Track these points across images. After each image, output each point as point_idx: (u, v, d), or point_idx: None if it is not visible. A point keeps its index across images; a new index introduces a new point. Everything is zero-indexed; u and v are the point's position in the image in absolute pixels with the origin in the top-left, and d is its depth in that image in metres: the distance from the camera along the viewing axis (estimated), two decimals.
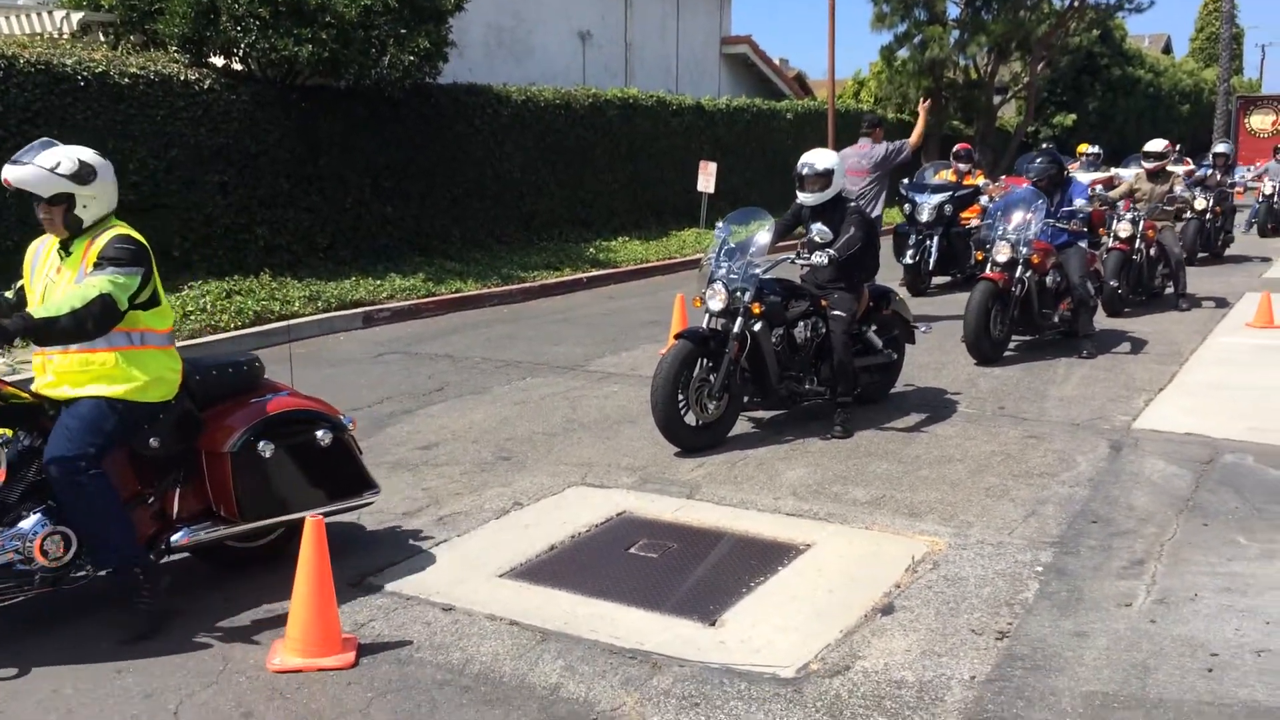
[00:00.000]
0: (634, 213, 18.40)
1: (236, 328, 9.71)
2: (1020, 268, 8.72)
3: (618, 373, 8.62)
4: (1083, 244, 9.33)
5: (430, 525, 5.27)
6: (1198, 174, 16.10)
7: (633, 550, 4.99)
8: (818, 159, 7.10)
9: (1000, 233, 8.85)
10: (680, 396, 6.29)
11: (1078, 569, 4.60)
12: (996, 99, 28.41)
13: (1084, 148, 19.35)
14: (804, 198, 7.07)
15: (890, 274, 13.41)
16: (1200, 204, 14.44)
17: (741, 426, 6.94)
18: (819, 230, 6.75)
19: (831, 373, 6.86)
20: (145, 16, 12.06)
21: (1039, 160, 9.65)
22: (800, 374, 6.84)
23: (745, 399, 6.74)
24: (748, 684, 3.72)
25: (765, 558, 4.85)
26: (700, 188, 18.73)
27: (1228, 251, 15.82)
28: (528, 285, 13.18)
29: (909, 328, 7.64)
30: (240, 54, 12.19)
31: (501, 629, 4.15)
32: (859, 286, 7.07)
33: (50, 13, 12.78)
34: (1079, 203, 9.17)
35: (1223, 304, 11.55)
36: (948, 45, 26.20)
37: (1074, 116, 33.81)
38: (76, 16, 12.53)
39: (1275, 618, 4.08)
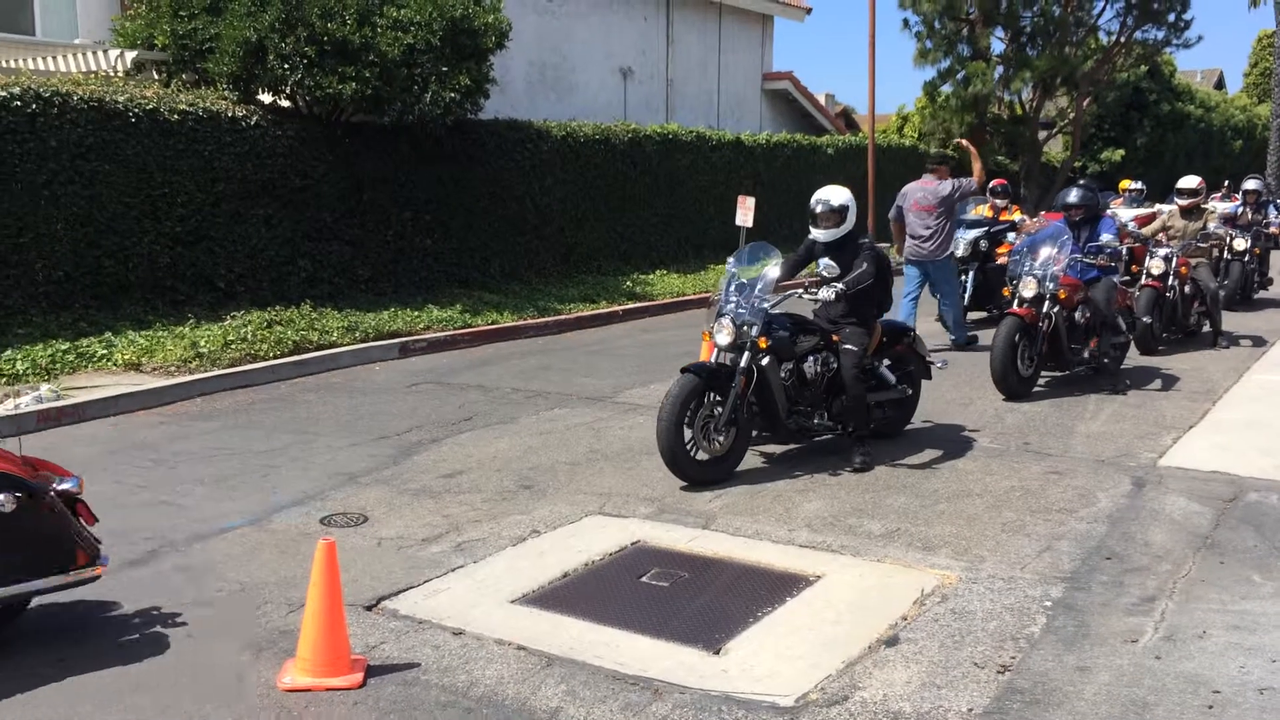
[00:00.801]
0: (672, 247, 18.55)
1: (275, 357, 9.93)
2: (1047, 303, 8.68)
3: (645, 404, 8.70)
4: (1115, 279, 9.29)
5: (448, 551, 5.37)
6: (1227, 212, 15.54)
7: (644, 579, 5.05)
8: (832, 195, 7.16)
9: (1027, 268, 8.84)
10: (688, 431, 6.32)
11: (1087, 604, 4.59)
12: (1042, 134, 28.27)
13: (1126, 183, 19.15)
14: (816, 234, 7.16)
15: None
16: (1240, 244, 13.99)
17: (758, 460, 6.99)
18: (826, 265, 6.83)
19: (843, 408, 6.91)
20: (196, 55, 12.45)
21: (1075, 190, 9.59)
22: (810, 409, 6.87)
23: (755, 433, 6.77)
24: (746, 712, 3.76)
25: (775, 588, 4.89)
26: (739, 222, 18.78)
27: (1260, 294, 15.28)
28: (563, 317, 13.33)
29: (925, 363, 7.64)
30: (287, 91, 12.53)
31: (509, 654, 4.23)
32: (870, 322, 7.11)
33: (106, 51, 13.23)
34: (1106, 238, 9.10)
35: (1260, 342, 11.40)
36: (991, 81, 26.14)
37: (1122, 152, 33.49)
38: (130, 55, 12.96)
39: None
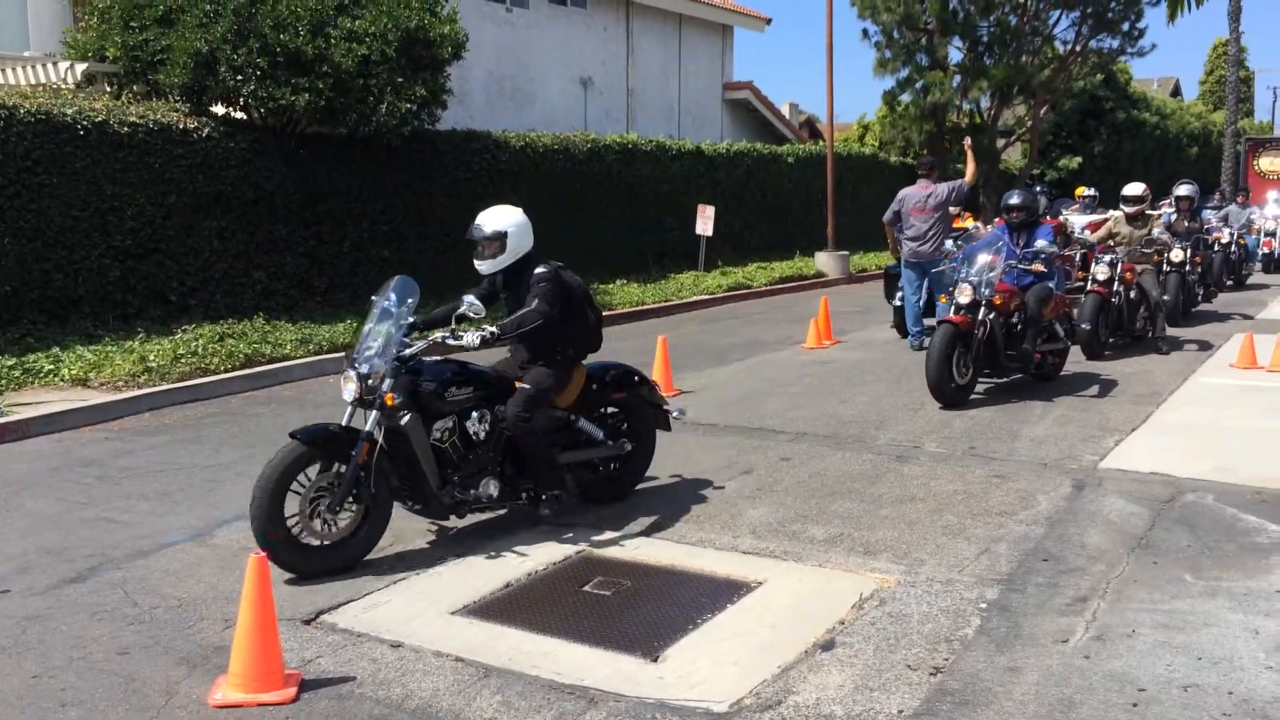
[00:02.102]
0: (632, 256, 18.59)
1: (226, 370, 9.86)
2: (983, 309, 8.69)
3: None
4: (1051, 284, 9.29)
5: (391, 563, 5.35)
6: (1162, 221, 14.75)
7: (587, 588, 5.06)
8: (487, 220, 6.02)
9: (964, 274, 8.84)
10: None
11: (1021, 606, 4.64)
12: (1000, 142, 28.58)
13: (1081, 190, 19.46)
14: (480, 265, 6.11)
15: (883, 315, 13.58)
16: (1178, 255, 13.49)
17: (702, 468, 7.01)
18: (469, 303, 5.74)
19: (530, 469, 5.81)
20: (148, 67, 12.38)
21: (1016, 192, 9.60)
22: (477, 476, 5.64)
23: (409, 505, 5.67)
24: (679, 719, 3.77)
25: (716, 595, 4.91)
26: (699, 231, 18.92)
27: (1202, 307, 14.91)
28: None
29: (661, 412, 6.54)
30: (240, 103, 12.48)
31: (445, 665, 4.22)
32: (558, 364, 5.97)
33: (55, 64, 13.13)
34: (1041, 243, 9.12)
35: (1205, 346, 11.54)
36: (950, 90, 26.42)
37: (1079, 159, 33.92)
38: (81, 67, 12.86)
39: (1208, 654, 4.11)
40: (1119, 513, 5.88)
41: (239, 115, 12.86)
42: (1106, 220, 18.70)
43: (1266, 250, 20.98)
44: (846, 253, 21.68)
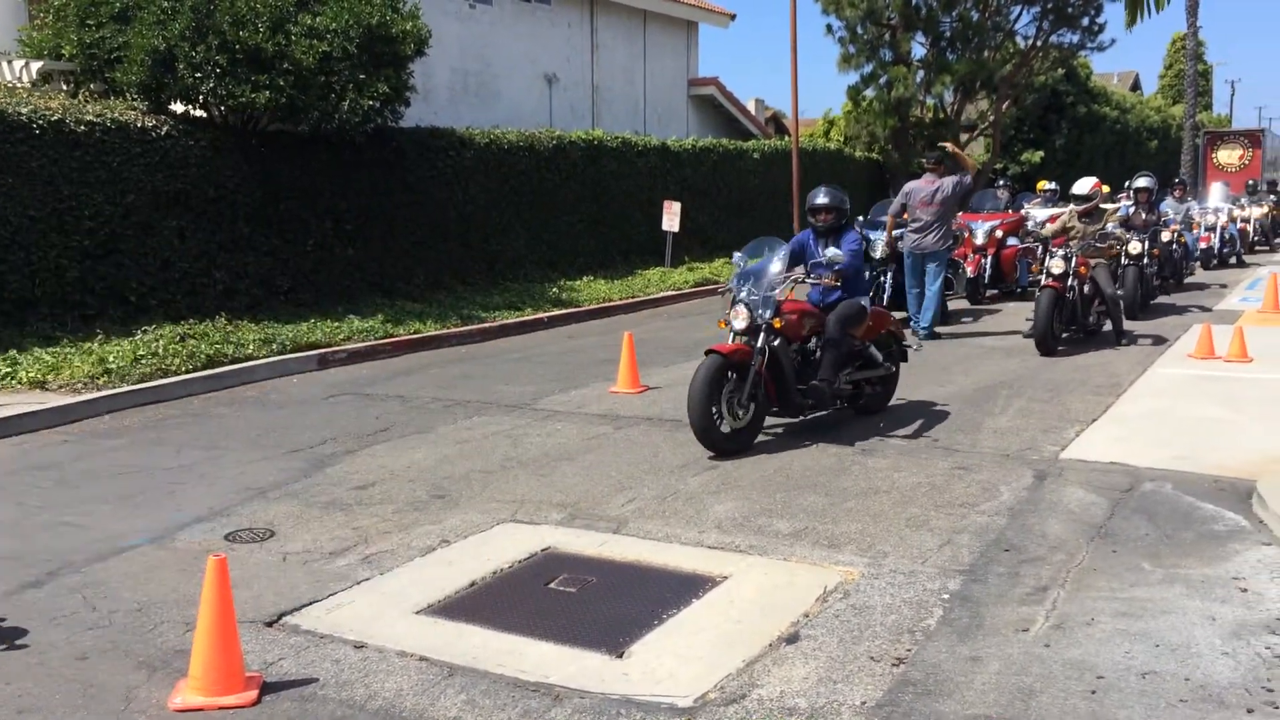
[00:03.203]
0: (599, 253, 18.57)
1: (187, 371, 9.75)
2: (762, 334, 7.26)
3: (564, 411, 8.70)
4: (863, 300, 7.91)
5: (355, 564, 5.32)
6: (1120, 214, 14.62)
7: (552, 585, 5.05)
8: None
9: (743, 294, 7.38)
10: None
11: (983, 596, 4.68)
12: (963, 136, 28.79)
13: (1043, 184, 19.59)
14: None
15: None
16: (1136, 248, 13.46)
17: (671, 462, 7.03)
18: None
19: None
20: (105, 65, 12.21)
21: (822, 190, 8.04)
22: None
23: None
24: (644, 714, 3.77)
25: (681, 590, 4.92)
26: (665, 227, 18.93)
27: (1160, 300, 14.85)
28: (487, 325, 13.28)
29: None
30: (200, 101, 12.34)
31: (410, 665, 4.20)
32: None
33: (10, 62, 12.92)
34: (831, 253, 7.64)
35: (1160, 340, 11.58)
36: (913, 85, 26.59)
37: (1041, 153, 34.21)
38: (36, 65, 12.67)
39: (1166, 641, 4.17)
40: (1079, 502, 5.95)
41: (198, 113, 12.71)
42: (1064, 214, 18.95)
43: (1205, 245, 19.80)
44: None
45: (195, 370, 9.83)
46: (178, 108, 12.54)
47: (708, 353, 7.18)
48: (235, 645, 3.91)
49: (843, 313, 7.72)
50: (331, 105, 12.31)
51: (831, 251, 7.73)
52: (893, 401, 8.52)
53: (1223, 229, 20.10)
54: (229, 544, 5.62)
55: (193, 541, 5.68)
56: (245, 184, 12.57)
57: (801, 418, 7.90)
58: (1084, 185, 12.01)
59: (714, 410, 7.06)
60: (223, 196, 12.34)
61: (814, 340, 7.75)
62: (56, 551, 5.53)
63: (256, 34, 11.64)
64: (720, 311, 7.73)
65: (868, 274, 12.84)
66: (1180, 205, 18.82)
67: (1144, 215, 14.33)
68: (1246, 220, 21.82)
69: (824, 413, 8.03)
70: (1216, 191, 21.88)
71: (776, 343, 7.29)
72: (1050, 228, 12.02)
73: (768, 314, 7.34)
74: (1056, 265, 11.01)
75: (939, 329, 12.28)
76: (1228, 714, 3.62)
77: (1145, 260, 13.78)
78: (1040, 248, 16.55)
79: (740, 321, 7.26)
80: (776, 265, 7.48)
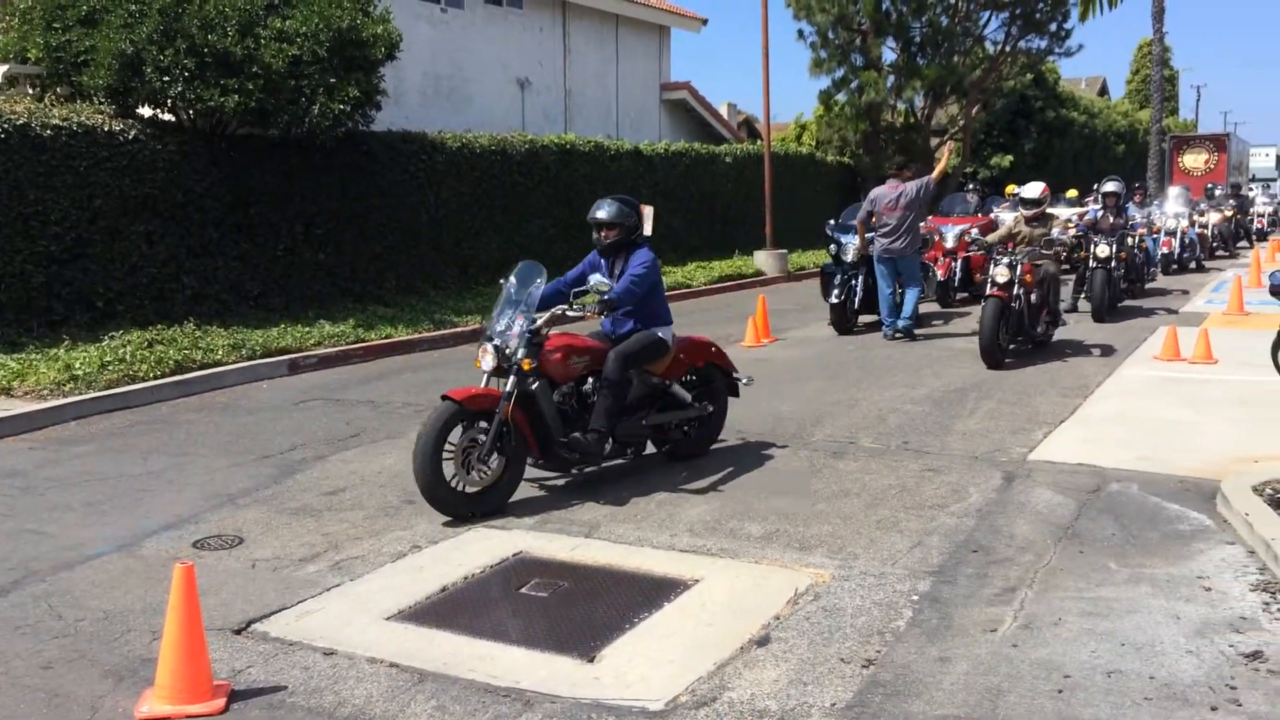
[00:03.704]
0: (572, 257, 18.29)
1: (155, 377, 9.66)
2: (512, 377, 6.13)
3: None
4: (661, 332, 6.81)
5: (325, 570, 5.29)
6: (1088, 217, 14.97)
7: (524, 590, 5.04)
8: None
9: (500, 327, 6.31)
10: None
11: (952, 597, 4.72)
12: (934, 141, 29.01)
13: (1011, 188, 19.81)
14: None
15: (821, 313, 13.73)
16: (1104, 251, 13.58)
17: (640, 466, 7.03)
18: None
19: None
20: (71, 68, 12.08)
21: (605, 204, 6.79)
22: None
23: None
24: (615, 718, 3.78)
25: (652, 594, 4.92)
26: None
27: (1127, 302, 14.85)
28: (460, 330, 13.24)
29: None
30: (168, 105, 12.24)
31: (380, 671, 4.18)
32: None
33: None
34: (595, 280, 6.51)
35: (1109, 351, 11.27)
36: (884, 89, 26.80)
37: (1011, 158, 34.54)
38: (1, 69, 12.53)
39: (1131, 640, 4.22)
40: (1047, 503, 6.00)
41: (167, 117, 12.61)
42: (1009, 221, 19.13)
43: (1165, 250, 19.50)
44: (785, 251, 21.85)
45: (163, 376, 9.74)
46: (145, 111, 12.44)
47: (443, 398, 6.05)
48: (203, 653, 3.88)
49: (627, 348, 6.57)
50: (301, 109, 12.25)
51: (595, 278, 6.55)
52: (852, 404, 8.56)
53: (1183, 234, 19.97)
54: (197, 551, 5.57)
55: (160, 549, 5.63)
56: (214, 188, 12.48)
57: (574, 473, 6.70)
58: (1032, 190, 11.66)
59: (449, 467, 5.93)
60: (191, 201, 12.25)
61: (589, 382, 6.59)
62: (21, 560, 5.47)
63: (225, 37, 11.57)
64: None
65: (838, 278, 12.99)
66: (1141, 210, 18.83)
67: (1111, 219, 14.42)
68: (1205, 226, 21.76)
69: (594, 468, 6.71)
70: (1175, 196, 21.61)
71: (535, 385, 6.13)
72: (995, 234, 11.48)
73: (520, 353, 6.15)
74: (1001, 274, 10.36)
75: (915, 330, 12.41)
76: (1192, 711, 3.66)
77: (1113, 264, 13.80)
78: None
79: (488, 362, 6.15)
80: (533, 295, 6.33)
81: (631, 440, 6.81)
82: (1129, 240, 14.96)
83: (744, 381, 7.42)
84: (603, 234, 6.79)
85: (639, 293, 6.65)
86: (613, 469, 6.98)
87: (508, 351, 6.15)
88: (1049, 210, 18.03)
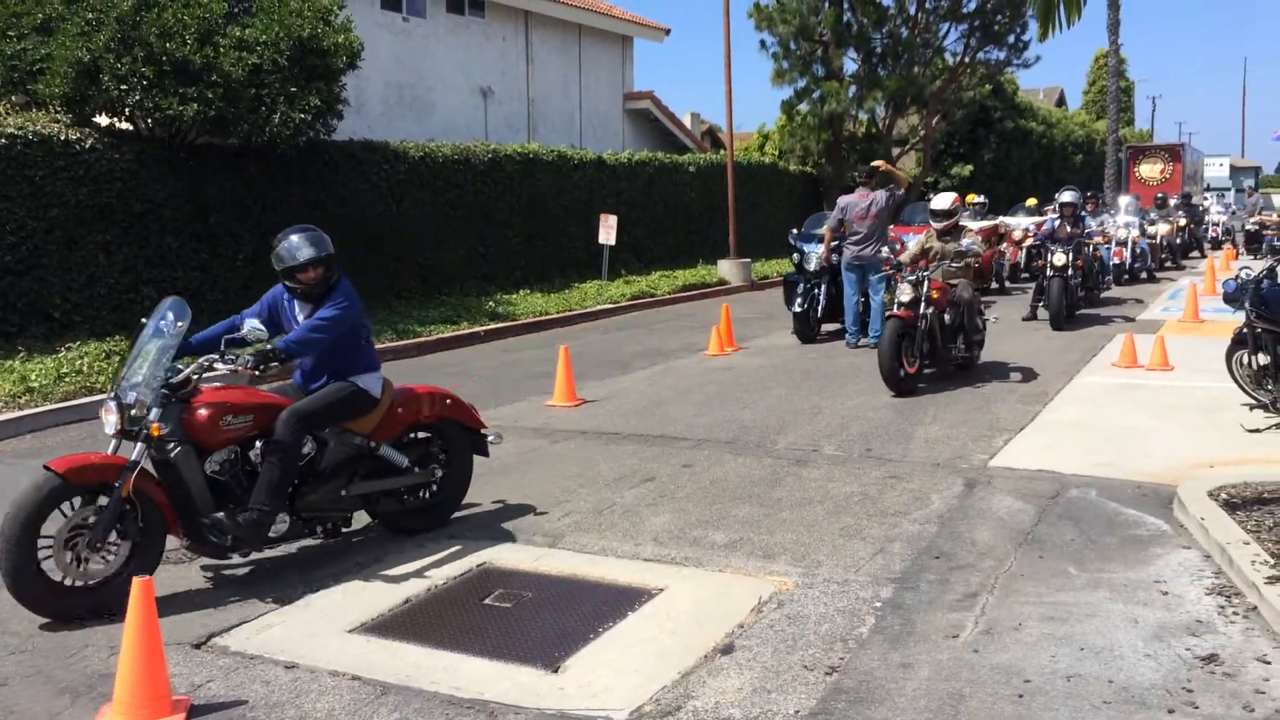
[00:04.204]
0: (536, 266, 18.55)
1: None
2: (140, 445, 4.92)
3: (500, 425, 8.61)
4: (363, 382, 5.57)
5: (289, 583, 5.24)
6: (1045, 227, 15.12)
7: (488, 601, 5.02)
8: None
9: (131, 381, 5.08)
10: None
11: (914, 603, 4.75)
12: (895, 151, 29.28)
13: (971, 197, 20.05)
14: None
15: (784, 322, 13.81)
16: (1060, 259, 13.65)
17: (605, 474, 7.03)
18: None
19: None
20: (27, 76, 11.93)
21: (292, 237, 5.48)
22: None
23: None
24: None
25: (617, 603, 4.92)
26: (602, 240, 18.96)
27: (1084, 311, 14.79)
28: (423, 340, 13.18)
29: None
30: (126, 113, 12.12)
31: (342, 685, 4.14)
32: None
33: None
34: (250, 327, 5.22)
35: (1068, 359, 11.18)
36: (846, 100, 27.03)
37: (971, 167, 34.95)
38: None
39: (1090, 644, 4.27)
40: (1007, 510, 6.07)
41: (124, 126, 12.49)
42: (995, 226, 19.36)
43: (1117, 261, 19.24)
44: (749, 260, 21.95)
45: None
46: (103, 120, 12.32)
47: (45, 468, 4.78)
48: (161, 668, 3.83)
49: (306, 406, 5.33)
50: (262, 118, 12.17)
51: (250, 325, 5.23)
52: (815, 413, 8.61)
53: (1134, 243, 19.92)
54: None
55: None
56: (173, 197, 12.36)
57: (236, 556, 5.32)
58: (942, 200, 10.74)
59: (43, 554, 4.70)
60: (150, 210, 12.12)
61: (228, 452, 5.19)
62: None
63: (184, 46, 11.47)
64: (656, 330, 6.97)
65: (801, 286, 13.06)
66: (1094, 218, 18.67)
67: (1069, 228, 14.54)
68: (1154, 237, 21.64)
69: (261, 553, 5.46)
70: (1125, 205, 21.56)
71: (175, 452, 4.94)
72: (908, 251, 10.66)
73: (152, 414, 4.92)
74: (905, 292, 9.46)
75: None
76: (1149, 714, 3.71)
77: (1069, 272, 13.84)
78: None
79: (110, 423, 4.96)
80: (173, 341, 5.06)
81: (325, 514, 5.54)
82: (1085, 249, 15.05)
83: (492, 439, 6.28)
84: (307, 275, 5.43)
85: (325, 339, 5.37)
86: (576, 478, 6.97)
87: (133, 412, 4.93)
88: (964, 222, 18.14)
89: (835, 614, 4.66)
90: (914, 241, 10.89)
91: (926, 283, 9.59)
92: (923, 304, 9.48)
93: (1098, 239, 16.71)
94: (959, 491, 6.46)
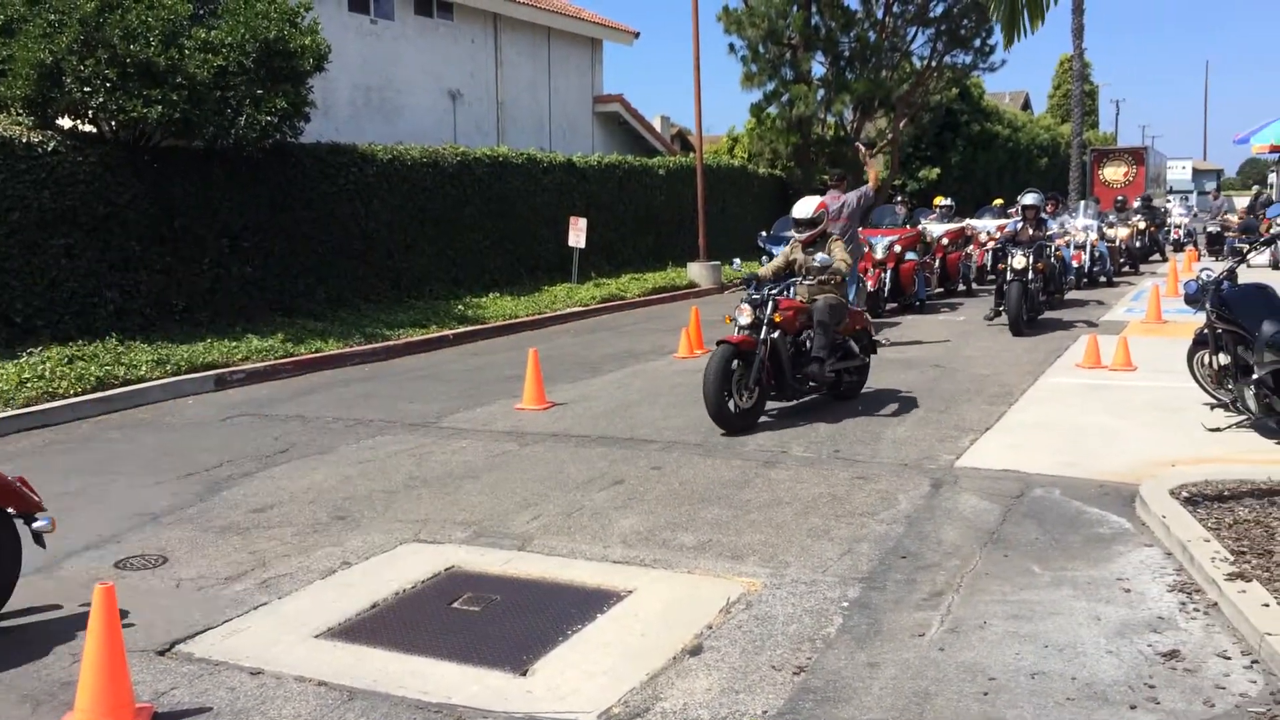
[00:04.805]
0: (506, 269, 18.50)
1: (76, 394, 9.43)
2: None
3: (469, 428, 8.64)
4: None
5: (253, 589, 5.20)
6: (1007, 229, 14.76)
7: (456, 604, 5.01)
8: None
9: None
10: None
11: (881, 603, 4.78)
12: (863, 151, 29.41)
13: (939, 200, 20.18)
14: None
15: None
16: (1020, 262, 13.33)
17: (576, 478, 7.03)
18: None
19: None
20: None
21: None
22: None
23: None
24: None
25: (585, 606, 4.92)
26: (571, 243, 18.95)
27: (1047, 315, 14.50)
28: (392, 343, 13.12)
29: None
30: (89, 115, 11.98)
31: (308, 690, 4.12)
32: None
33: None
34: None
35: (1032, 360, 11.10)
36: (814, 103, 27.17)
37: (938, 170, 35.22)
38: None
39: (1054, 641, 4.31)
40: (973, 509, 6.12)
41: (88, 128, 12.34)
42: (962, 228, 19.48)
43: (1075, 264, 18.83)
44: (718, 262, 21.98)
45: (85, 393, 9.51)
46: (66, 122, 12.18)
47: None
48: (124, 675, 3.79)
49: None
50: (228, 120, 12.07)
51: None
52: (781, 413, 8.65)
53: (1092, 246, 19.77)
54: (119, 571, 5.45)
55: (81, 570, 5.49)
56: (137, 201, 12.23)
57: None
58: (804, 207, 9.19)
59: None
60: (114, 214, 11.99)
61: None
62: None
63: (148, 47, 11.36)
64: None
65: None
66: (1053, 220, 18.30)
67: (1031, 231, 14.37)
68: (1113, 241, 21.64)
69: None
70: (1083, 208, 21.52)
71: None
72: (769, 265, 9.31)
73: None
74: (744, 314, 8.34)
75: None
76: (1111, 710, 3.75)
77: (1030, 275, 13.57)
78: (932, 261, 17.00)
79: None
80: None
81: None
82: (1047, 252, 14.75)
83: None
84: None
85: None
86: (545, 480, 6.96)
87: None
88: (930, 225, 17.99)
89: (803, 614, 4.69)
90: (780, 254, 9.55)
91: (773, 302, 8.40)
92: (765, 328, 8.29)
93: (1060, 241, 16.55)
94: (926, 492, 6.50)
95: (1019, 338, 13.05)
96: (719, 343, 8.25)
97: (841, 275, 8.98)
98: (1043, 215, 14.95)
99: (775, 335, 8.37)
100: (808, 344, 8.77)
